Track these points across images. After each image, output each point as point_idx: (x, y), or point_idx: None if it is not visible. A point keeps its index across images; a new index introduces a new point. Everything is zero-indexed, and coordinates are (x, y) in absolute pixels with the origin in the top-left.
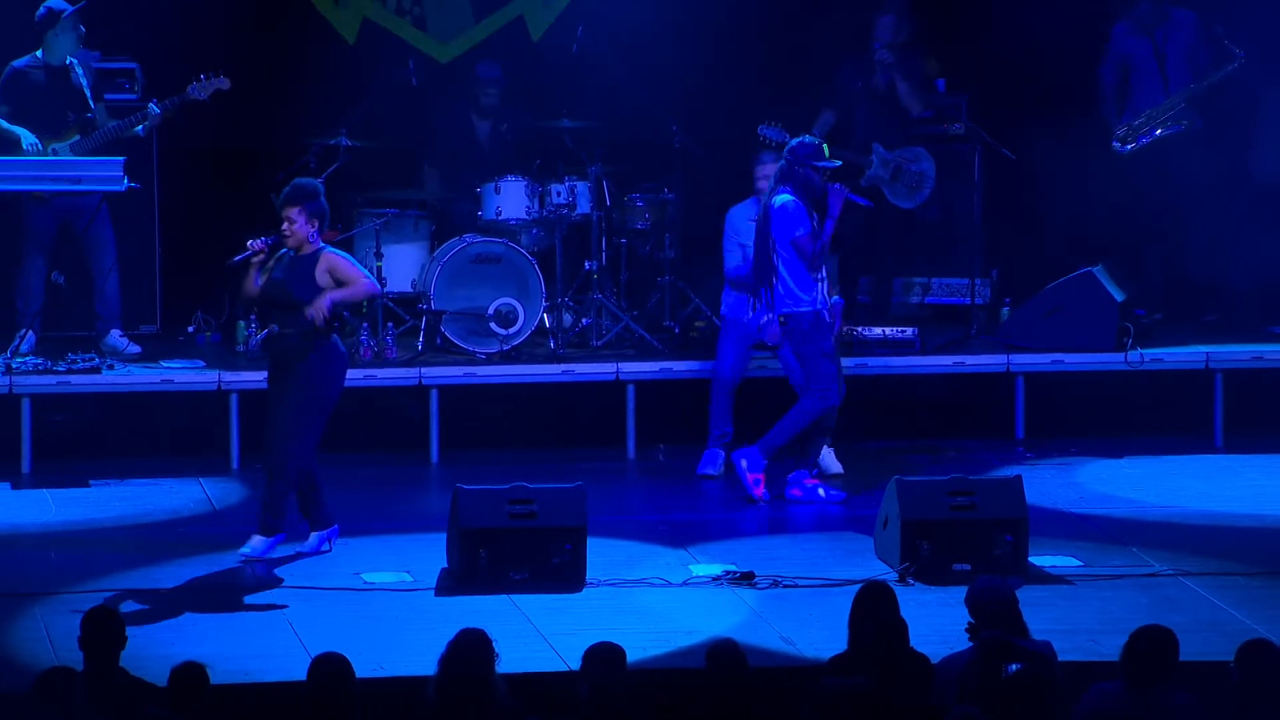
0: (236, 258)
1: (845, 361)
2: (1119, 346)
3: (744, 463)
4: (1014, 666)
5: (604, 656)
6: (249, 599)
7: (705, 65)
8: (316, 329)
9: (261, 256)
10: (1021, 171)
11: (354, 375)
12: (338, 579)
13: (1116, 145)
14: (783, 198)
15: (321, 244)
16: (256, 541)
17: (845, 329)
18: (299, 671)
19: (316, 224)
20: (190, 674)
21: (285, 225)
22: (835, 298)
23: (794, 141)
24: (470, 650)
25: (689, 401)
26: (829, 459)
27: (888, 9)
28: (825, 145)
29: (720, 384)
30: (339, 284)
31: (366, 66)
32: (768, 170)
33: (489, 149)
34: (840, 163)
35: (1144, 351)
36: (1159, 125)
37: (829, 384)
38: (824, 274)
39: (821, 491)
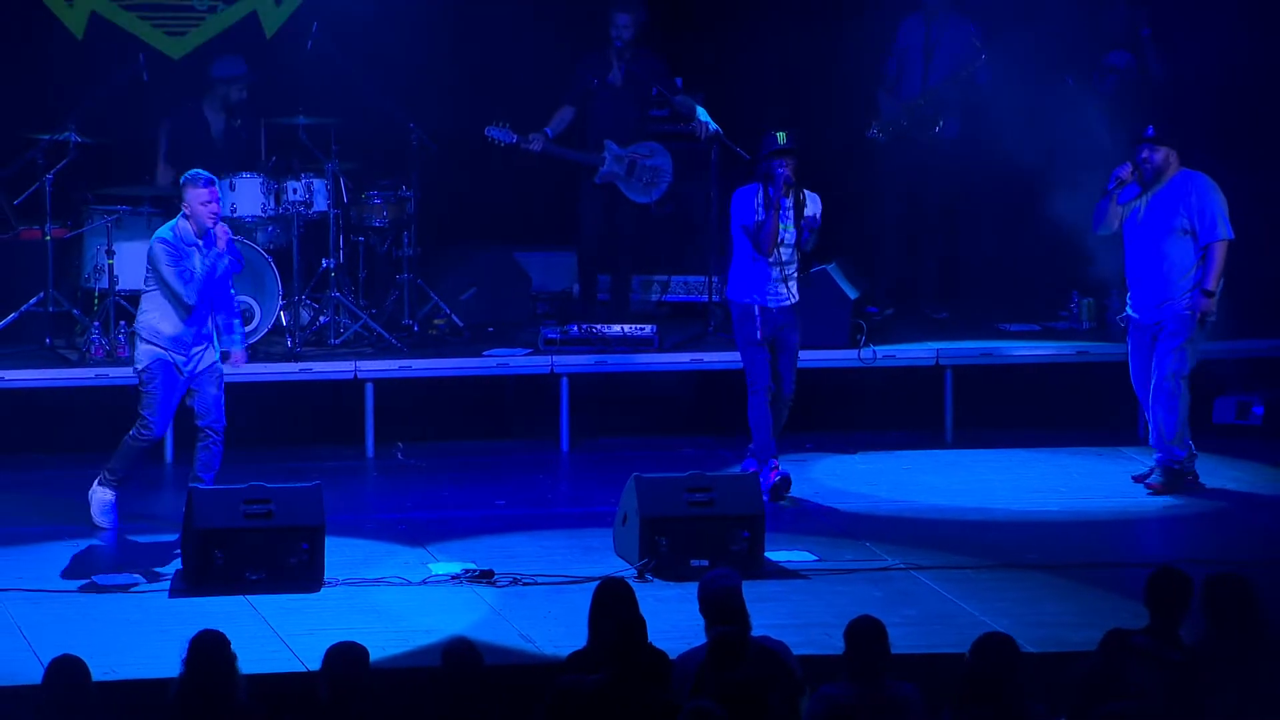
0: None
1: (584, 359)
2: (852, 343)
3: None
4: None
5: (346, 656)
6: None
7: (442, 62)
8: None
9: None
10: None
11: (86, 375)
12: (68, 581)
13: (874, 135)
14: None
15: None
16: None
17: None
18: (33, 675)
19: None
20: None
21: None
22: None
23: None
24: (213, 651)
25: (428, 399)
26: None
27: (623, 6)
28: (778, 133)
29: None
30: None
31: (96, 62)
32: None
33: (223, 145)
34: (780, 143)
35: (876, 348)
36: (908, 120)
37: (750, 376)
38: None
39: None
